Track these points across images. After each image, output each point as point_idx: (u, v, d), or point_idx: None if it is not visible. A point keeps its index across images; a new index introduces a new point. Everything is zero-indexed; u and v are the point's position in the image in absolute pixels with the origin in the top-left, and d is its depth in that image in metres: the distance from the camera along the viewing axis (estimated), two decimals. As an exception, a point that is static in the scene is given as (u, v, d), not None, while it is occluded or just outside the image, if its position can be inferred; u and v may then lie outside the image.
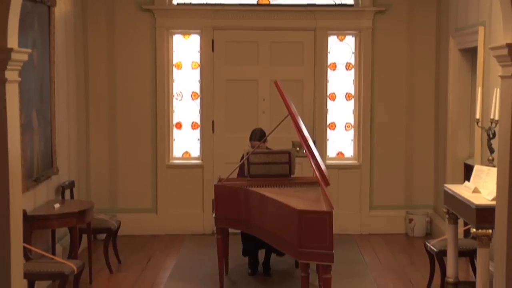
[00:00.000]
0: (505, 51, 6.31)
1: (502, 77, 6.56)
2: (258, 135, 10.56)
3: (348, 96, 13.14)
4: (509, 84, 6.38)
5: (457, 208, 8.51)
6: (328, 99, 13.05)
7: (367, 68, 12.89)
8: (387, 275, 10.49)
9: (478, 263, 8.07)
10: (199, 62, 13.00)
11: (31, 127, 9.68)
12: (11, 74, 6.35)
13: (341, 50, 13.11)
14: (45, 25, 10.25)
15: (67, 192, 11.03)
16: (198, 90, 13.05)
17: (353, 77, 13.10)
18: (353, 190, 12.98)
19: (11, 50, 6.24)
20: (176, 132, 13.14)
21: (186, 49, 13.07)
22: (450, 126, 11.82)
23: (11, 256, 6.34)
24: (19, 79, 6.61)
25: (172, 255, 11.54)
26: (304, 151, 9.61)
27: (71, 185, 11.21)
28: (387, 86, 12.90)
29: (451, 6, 11.95)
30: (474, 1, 10.70)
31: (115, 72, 12.73)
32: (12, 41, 6.33)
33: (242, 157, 10.38)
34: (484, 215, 7.64)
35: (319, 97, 12.94)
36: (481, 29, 10.21)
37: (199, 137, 13.12)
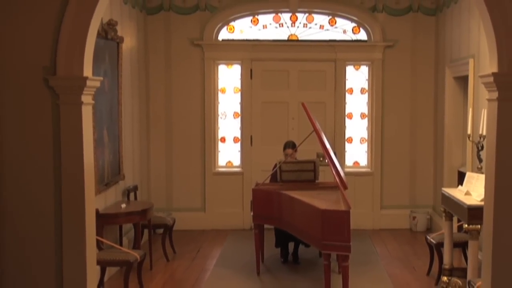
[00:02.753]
0: (491, 79, 6.27)
1: (488, 100, 6.52)
2: (291, 144, 10.57)
3: (362, 115, 13.09)
4: (494, 106, 6.34)
5: (452, 207, 8.49)
6: (346, 117, 13.00)
7: (378, 92, 12.84)
8: (394, 263, 10.44)
9: (469, 252, 8.11)
10: (240, 87, 13.01)
11: (102, 141, 9.74)
12: (86, 98, 6.39)
13: (357, 77, 13.06)
14: (114, 58, 10.32)
15: (132, 194, 11.09)
16: (239, 110, 13.06)
17: (366, 100, 13.05)
18: (367, 193, 12.93)
19: (86, 78, 6.28)
20: (220, 145, 13.14)
21: (229, 76, 13.08)
22: (446, 140, 11.80)
23: (87, 246, 6.38)
24: (93, 102, 6.65)
25: (218, 247, 11.54)
26: (326, 160, 9.61)
27: (135, 188, 11.26)
28: (394, 107, 12.84)
29: (446, 41, 11.91)
30: (465, 38, 10.68)
31: (171, 95, 12.78)
32: (87, 71, 6.37)
33: (275, 166, 10.37)
34: (474, 213, 7.67)
35: (338, 116, 12.91)
36: (471, 61, 10.22)
37: (239, 149, 13.12)
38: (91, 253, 6.55)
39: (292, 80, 12.92)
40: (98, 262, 7.98)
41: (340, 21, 12.94)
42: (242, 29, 12.96)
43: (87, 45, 6.31)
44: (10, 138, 6.31)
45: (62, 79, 6.23)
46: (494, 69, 6.30)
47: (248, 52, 12.86)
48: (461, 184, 8.76)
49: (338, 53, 12.83)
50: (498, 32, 6.21)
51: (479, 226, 7.66)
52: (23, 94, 6.27)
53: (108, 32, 9.83)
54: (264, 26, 12.96)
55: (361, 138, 13.16)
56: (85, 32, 6.25)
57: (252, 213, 9.96)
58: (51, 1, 6.20)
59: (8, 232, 6.37)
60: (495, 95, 6.31)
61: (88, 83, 6.32)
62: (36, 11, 6.23)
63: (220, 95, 13.06)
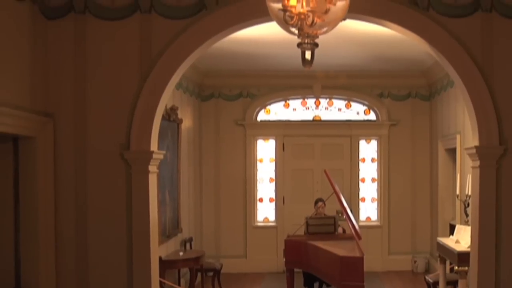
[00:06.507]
0: (474, 151, 6.35)
1: (472, 167, 6.57)
2: (321, 199, 10.57)
3: (373, 180, 13.08)
4: (477, 172, 6.41)
5: (445, 253, 8.47)
6: (359, 181, 13.00)
7: (385, 161, 12.86)
8: (400, 300, 10.37)
9: (459, 289, 8.10)
10: (274, 158, 13.07)
11: (165, 201, 9.84)
12: (152, 168, 6.50)
13: (368, 149, 13.10)
14: (175, 135, 10.49)
15: (188, 244, 11.12)
16: (273, 176, 13.09)
17: (376, 167, 13.05)
18: (377, 242, 12.81)
19: (152, 152, 6.41)
20: (259, 204, 13.14)
21: (266, 149, 13.15)
22: (440, 199, 11.78)
23: (152, 287, 6.41)
24: (157, 170, 6.74)
25: (257, 287, 11.47)
26: (344, 216, 9.60)
27: (190, 239, 11.29)
28: (398, 173, 12.81)
29: (438, 121, 11.95)
30: (453, 118, 10.74)
31: (219, 164, 12.86)
32: (154, 146, 6.50)
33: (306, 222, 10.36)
34: (463, 258, 7.67)
35: (353, 180, 12.92)
36: (458, 136, 10.26)
37: (274, 207, 13.11)
38: (155, 292, 6.60)
39: (316, 152, 12.98)
40: (161, 299, 8.01)
41: (354, 105, 13.06)
42: (277, 111, 13.10)
43: (154, 126, 6.45)
44: (93, 198, 6.45)
45: (134, 153, 6.36)
46: (476, 143, 6.38)
47: (281, 130, 12.97)
48: (452, 234, 8.75)
49: (353, 130, 12.91)
50: (478, 114, 6.32)
51: (466, 267, 7.62)
52: (104, 164, 6.42)
53: (170, 115, 10.03)
54: (294, 109, 13.09)
55: (372, 198, 13.13)
56: (153, 116, 6.40)
57: (284, 259, 9.90)
58: (127, 93, 6.40)
59: (91, 272, 6.46)
60: (477, 163, 6.37)
61: (154, 156, 6.45)
62: (116, 102, 6.42)
63: (258, 164, 13.13)
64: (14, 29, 5.77)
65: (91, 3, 6.34)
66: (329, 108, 13.08)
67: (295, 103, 13.11)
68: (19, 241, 6.16)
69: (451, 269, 9.46)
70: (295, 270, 10.07)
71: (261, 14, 5.86)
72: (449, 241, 8.51)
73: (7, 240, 6.16)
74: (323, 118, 13.06)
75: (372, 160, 13.11)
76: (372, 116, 13.06)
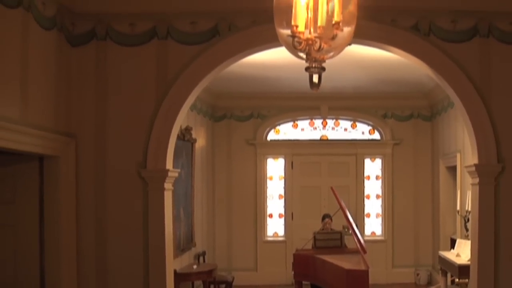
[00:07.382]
0: (473, 169, 6.38)
1: (472, 184, 6.60)
2: (328, 215, 10.58)
3: (377, 196, 13.07)
4: (476, 189, 6.43)
5: (446, 266, 8.48)
6: (365, 198, 12.99)
7: (389, 178, 12.85)
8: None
9: (460, 300, 8.08)
10: (283, 175, 13.09)
11: (179, 217, 9.87)
12: (168, 185, 6.55)
13: (373, 167, 13.10)
14: (189, 154, 10.53)
15: (201, 258, 11.12)
16: (283, 193, 13.10)
17: (380, 184, 13.04)
18: (381, 255, 12.75)
19: (168, 170, 6.47)
20: (269, 220, 13.14)
21: (275, 167, 13.17)
22: (441, 214, 11.74)
23: (167, 298, 6.47)
24: (172, 188, 6.79)
25: (267, 298, 11.48)
26: (350, 231, 9.60)
27: (204, 253, 11.30)
28: (401, 190, 12.79)
29: (439, 140, 11.96)
30: (453, 137, 10.76)
31: (231, 181, 12.88)
32: (169, 164, 6.55)
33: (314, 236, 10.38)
34: (463, 270, 7.69)
35: (359, 197, 12.90)
36: (458, 155, 10.27)
37: (283, 223, 13.10)
38: (171, 303, 6.62)
39: (323, 170, 12.99)
40: (176, 310, 8.01)
41: (359, 125, 13.09)
42: (286, 131, 13.15)
43: (169, 146, 6.52)
44: (112, 214, 6.50)
45: (151, 171, 6.41)
46: (475, 161, 6.41)
47: (290, 149, 13.00)
48: (453, 248, 8.76)
49: (358, 149, 12.93)
50: (477, 134, 6.37)
51: (467, 280, 7.63)
52: (122, 182, 6.48)
53: (185, 135, 10.09)
54: (302, 129, 13.13)
55: (376, 213, 13.10)
56: (168, 136, 6.47)
57: (293, 272, 9.91)
58: (144, 114, 6.47)
59: (110, 284, 6.49)
60: (476, 180, 6.39)
61: (169, 174, 6.50)
62: (134, 123, 6.49)
63: (268, 181, 13.14)
64: (42, 56, 5.87)
65: (112, 31, 6.45)
66: (336, 128, 13.11)
67: (303, 123, 13.15)
68: (43, 254, 6.23)
69: (452, 281, 9.45)
70: (303, 282, 10.08)
71: (270, 40, 5.93)
72: (450, 255, 8.53)
73: (33, 253, 6.23)
74: (330, 137, 13.08)
75: (377, 177, 13.11)
76: (376, 135, 13.08)
